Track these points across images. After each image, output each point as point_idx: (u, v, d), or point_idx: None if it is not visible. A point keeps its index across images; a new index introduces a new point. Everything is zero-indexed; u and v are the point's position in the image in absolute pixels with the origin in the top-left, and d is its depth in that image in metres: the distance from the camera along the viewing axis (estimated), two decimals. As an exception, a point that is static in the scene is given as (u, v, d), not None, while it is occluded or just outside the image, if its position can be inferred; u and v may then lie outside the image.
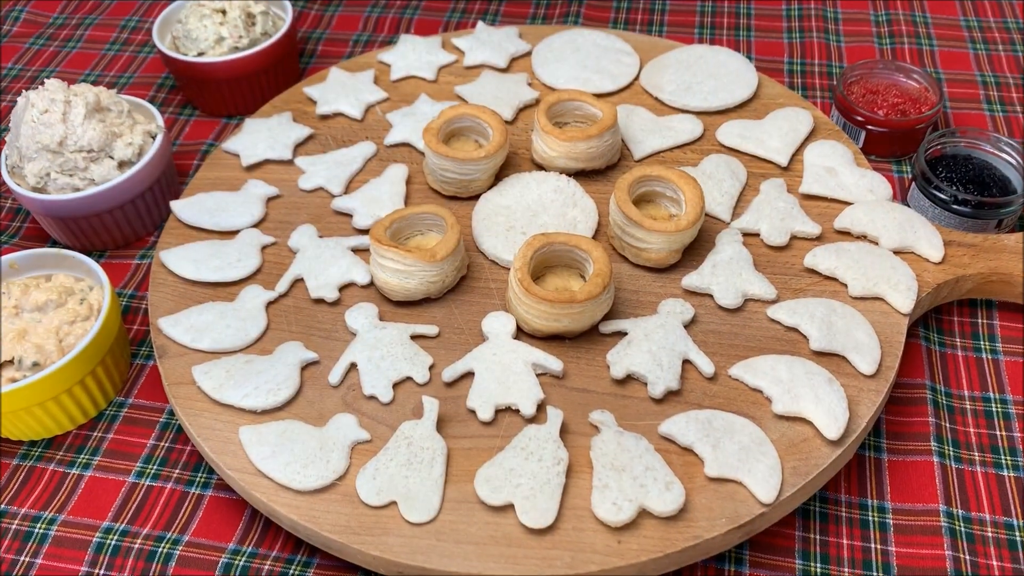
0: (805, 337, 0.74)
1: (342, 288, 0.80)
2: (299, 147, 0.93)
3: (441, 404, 0.71)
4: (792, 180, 0.87)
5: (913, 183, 0.88)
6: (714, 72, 0.96)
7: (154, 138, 0.91)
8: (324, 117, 0.96)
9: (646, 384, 0.71)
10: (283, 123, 0.94)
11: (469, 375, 0.73)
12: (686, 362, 0.73)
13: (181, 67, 1.01)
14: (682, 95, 0.94)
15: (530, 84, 0.99)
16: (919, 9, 1.15)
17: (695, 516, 0.64)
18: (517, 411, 0.70)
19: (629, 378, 0.72)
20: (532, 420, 0.70)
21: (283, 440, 0.69)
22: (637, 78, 0.99)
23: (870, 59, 1.01)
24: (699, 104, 0.94)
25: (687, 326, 0.75)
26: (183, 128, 1.06)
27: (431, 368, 0.73)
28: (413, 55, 1.02)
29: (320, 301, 0.79)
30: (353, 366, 0.74)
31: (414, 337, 0.76)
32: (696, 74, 0.96)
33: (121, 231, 0.91)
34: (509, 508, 0.65)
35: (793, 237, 0.82)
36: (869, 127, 0.94)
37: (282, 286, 0.80)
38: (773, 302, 0.77)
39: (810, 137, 0.91)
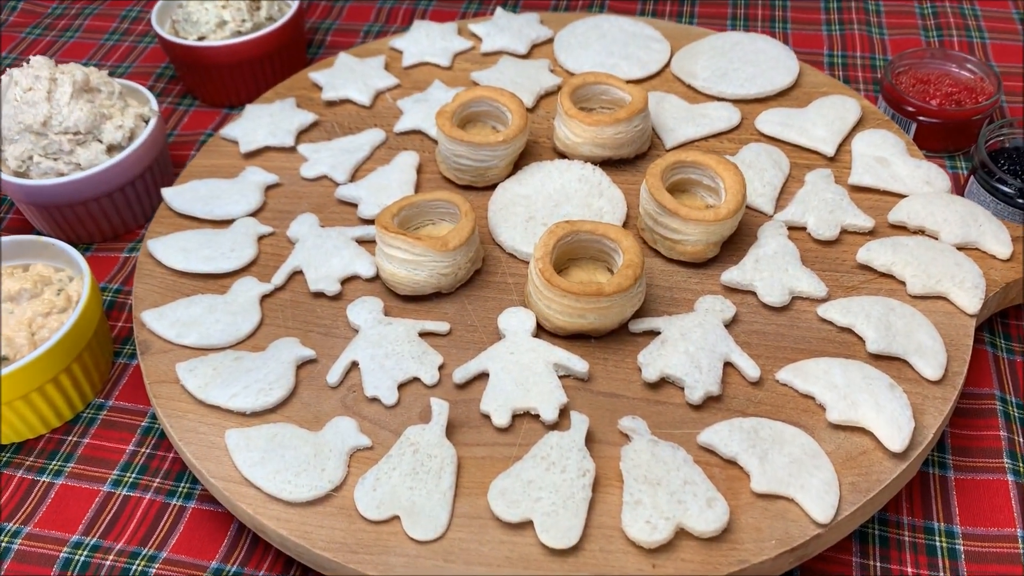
0: (861, 339, 0.66)
1: (344, 281, 0.72)
2: (302, 134, 0.87)
3: (452, 408, 0.63)
4: (840, 171, 0.79)
5: (972, 177, 0.81)
6: (751, 59, 0.89)
7: (147, 122, 0.85)
8: (330, 103, 0.90)
9: (683, 389, 0.63)
10: (286, 109, 0.88)
11: (483, 376, 0.65)
12: (727, 365, 0.65)
13: (180, 52, 0.95)
14: (717, 82, 0.87)
15: (552, 71, 0.92)
16: (968, 1, 1.08)
17: (740, 537, 0.56)
18: (537, 416, 0.63)
19: (663, 382, 0.64)
20: (554, 427, 0.62)
21: (273, 445, 0.61)
22: (667, 65, 0.92)
23: (919, 47, 0.93)
24: (736, 91, 0.86)
25: (728, 326, 0.67)
26: (182, 118, 1.00)
27: (441, 368, 0.66)
28: (427, 41, 0.95)
29: (320, 295, 0.72)
30: (354, 365, 0.66)
31: (423, 334, 0.68)
32: (732, 60, 0.89)
33: (109, 222, 0.84)
34: (527, 526, 0.57)
35: (843, 231, 0.74)
36: (921, 118, 0.87)
37: (278, 278, 0.73)
38: (823, 300, 0.69)
39: (857, 127, 0.83)
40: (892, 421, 0.60)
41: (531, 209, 0.76)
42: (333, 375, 0.66)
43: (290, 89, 0.91)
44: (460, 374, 0.65)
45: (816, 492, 0.57)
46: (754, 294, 0.70)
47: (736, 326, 0.68)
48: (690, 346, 0.65)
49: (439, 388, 0.65)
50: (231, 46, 0.94)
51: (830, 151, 0.80)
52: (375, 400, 0.64)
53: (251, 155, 0.84)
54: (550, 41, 0.95)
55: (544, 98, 0.89)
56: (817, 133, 0.82)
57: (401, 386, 0.65)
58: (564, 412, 0.63)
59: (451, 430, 0.62)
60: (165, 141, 0.88)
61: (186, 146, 0.96)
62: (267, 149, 0.85)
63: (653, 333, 0.67)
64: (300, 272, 0.73)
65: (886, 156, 0.79)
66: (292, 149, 0.85)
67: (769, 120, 0.84)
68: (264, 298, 0.72)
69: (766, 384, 0.64)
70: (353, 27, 1.11)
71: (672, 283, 0.71)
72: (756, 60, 0.89)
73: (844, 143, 0.82)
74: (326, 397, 0.65)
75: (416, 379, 0.65)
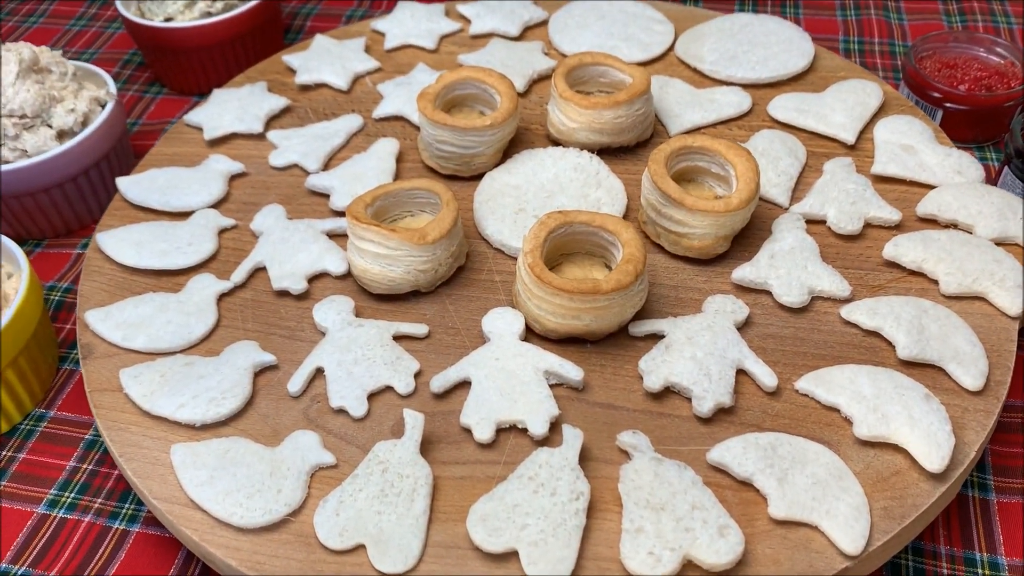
0: (890, 344, 0.59)
1: (312, 279, 0.65)
2: (273, 120, 0.79)
3: (428, 420, 0.56)
4: (861, 160, 0.72)
5: (1007, 167, 0.73)
6: (762, 41, 0.82)
7: (103, 107, 0.77)
8: (305, 88, 0.82)
9: (690, 399, 0.56)
10: (256, 93, 0.80)
11: (464, 385, 0.58)
12: (740, 372, 0.58)
13: (146, 35, 0.88)
14: (726, 65, 0.80)
15: (546, 54, 0.85)
16: (992, -15, 1.01)
17: (757, 570, 0.49)
18: (524, 431, 0.55)
19: (668, 391, 0.57)
20: (543, 442, 0.55)
21: (224, 463, 0.54)
22: (671, 48, 0.84)
23: (943, 31, 0.86)
24: (746, 75, 0.79)
25: (740, 328, 0.60)
26: (149, 106, 0.93)
27: (417, 376, 0.59)
28: (411, 22, 0.88)
29: (284, 294, 0.64)
30: (319, 372, 0.59)
31: (397, 338, 0.61)
32: (741, 43, 0.82)
33: (61, 215, 0.77)
34: (512, 557, 0.49)
35: (867, 224, 0.67)
36: (948, 105, 0.79)
37: (239, 275, 0.65)
38: (847, 301, 0.62)
39: (879, 113, 0.76)
40: (929, 437, 0.52)
41: (521, 200, 0.69)
42: (295, 383, 0.58)
43: (262, 73, 0.84)
44: (438, 382, 0.57)
45: (843, 519, 0.50)
46: (769, 294, 0.62)
47: (750, 329, 0.60)
48: (698, 351, 0.57)
49: (414, 398, 0.58)
50: (200, 28, 0.87)
51: (851, 138, 0.73)
52: (342, 412, 0.57)
53: (216, 142, 0.77)
54: (544, 23, 0.88)
55: (537, 82, 0.82)
56: (836, 119, 0.74)
57: (371, 396, 0.58)
58: (555, 426, 0.55)
59: (426, 446, 0.55)
60: (125, 128, 0.81)
61: (152, 136, 0.89)
62: (234, 136, 0.78)
63: (656, 337, 0.60)
64: (263, 268, 0.66)
65: (912, 144, 0.72)
66: (261, 136, 0.78)
67: (783, 106, 0.76)
68: (222, 297, 0.65)
69: (784, 394, 0.57)
70: (335, 11, 1.04)
71: (678, 281, 0.64)
72: (767, 42, 0.82)
73: (865, 130, 0.75)
74: (286, 408, 0.58)
75: (389, 388, 0.58)
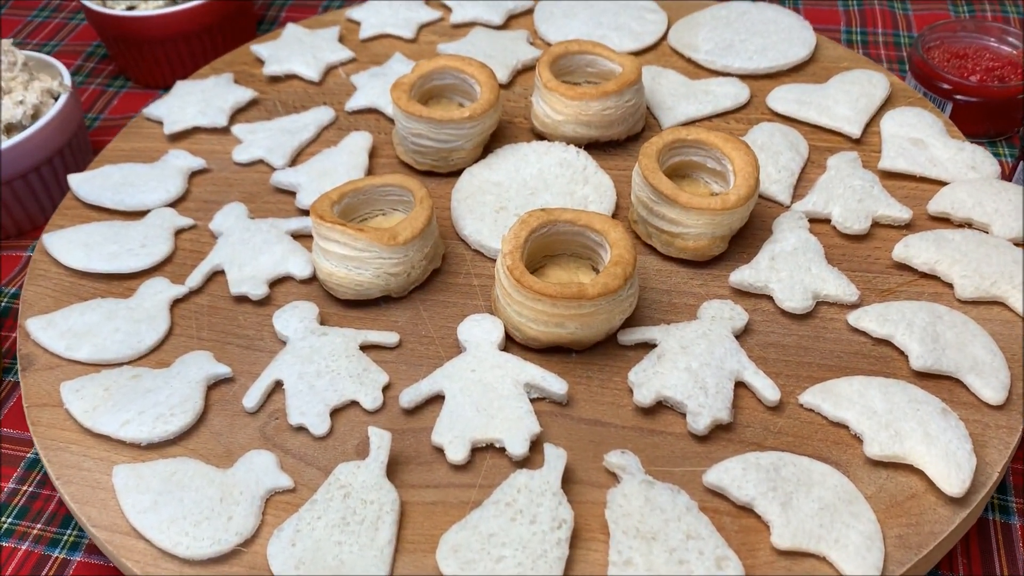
0: (902, 353, 0.54)
1: (274, 283, 0.60)
2: (238, 113, 0.74)
3: (397, 439, 0.51)
4: (867, 155, 0.67)
5: (1022, 163, 0.68)
6: (760, 29, 0.77)
7: (56, 99, 0.72)
8: (274, 79, 0.77)
9: (684, 415, 0.51)
10: (221, 85, 0.75)
11: (437, 400, 0.53)
12: (739, 385, 0.53)
13: (109, 25, 0.83)
14: (722, 55, 0.75)
15: (532, 43, 0.80)
16: (1001, -26, 0.96)
17: (759, 608, 0.43)
18: (502, 451, 0.50)
19: (660, 406, 0.52)
20: (523, 464, 0.49)
21: (171, 486, 0.49)
22: (664, 38, 0.80)
23: (950, 20, 0.82)
24: (743, 65, 0.74)
25: (739, 336, 0.55)
26: (111, 101, 0.88)
27: (386, 390, 0.54)
28: (388, 10, 0.83)
29: (243, 299, 0.59)
30: (278, 385, 0.54)
31: (365, 348, 0.56)
32: (739, 31, 0.77)
33: (11, 215, 0.72)
34: (486, 592, 0.44)
35: (875, 223, 0.62)
36: (958, 97, 0.75)
37: (194, 279, 0.60)
38: (855, 306, 0.57)
39: (886, 105, 0.71)
40: (948, 457, 0.48)
41: (503, 198, 0.64)
42: (251, 398, 0.53)
43: (229, 64, 0.79)
44: (408, 397, 0.52)
45: (854, 548, 0.45)
46: (770, 299, 0.57)
47: (749, 337, 0.55)
48: (693, 362, 0.52)
49: (382, 414, 0.53)
50: (165, 16, 0.82)
51: (856, 132, 0.68)
52: (301, 429, 0.52)
53: (177, 137, 0.72)
54: (530, 11, 0.83)
55: (521, 73, 0.77)
56: (840, 112, 0.70)
57: (335, 412, 0.53)
58: (536, 445, 0.50)
59: (394, 468, 0.50)
60: (82, 122, 0.75)
61: (114, 132, 0.83)
62: (196, 130, 0.73)
63: (647, 346, 0.55)
64: (221, 272, 0.61)
65: (922, 137, 0.67)
66: (225, 130, 0.73)
67: (783, 97, 0.72)
68: (176, 303, 0.60)
69: (788, 409, 0.52)
70: (310, 2, 0.99)
71: (671, 285, 0.59)
72: (766, 31, 0.77)
73: (871, 123, 0.70)
74: (241, 425, 0.52)
75: (354, 403, 0.53)
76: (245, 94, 0.74)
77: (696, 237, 0.58)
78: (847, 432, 0.51)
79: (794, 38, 0.76)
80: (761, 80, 0.75)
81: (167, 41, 0.84)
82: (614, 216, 0.64)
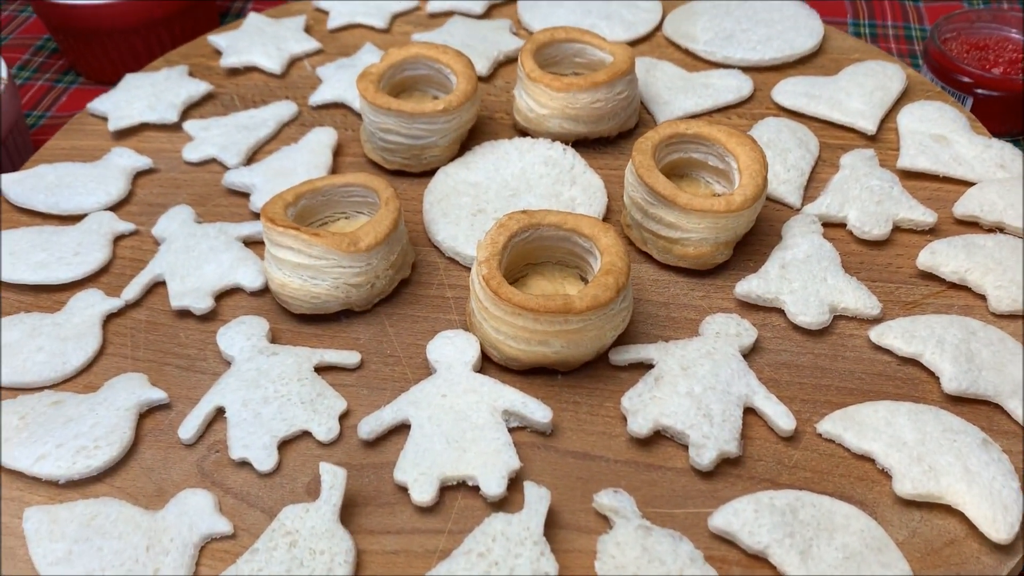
0: (932, 375, 0.48)
1: (221, 295, 0.53)
2: (192, 109, 0.68)
3: (354, 476, 0.44)
4: (884, 153, 0.61)
5: (1052, 162, 0.62)
6: (763, 18, 0.71)
7: (-13, 92, 0.66)
8: (232, 72, 0.71)
9: (686, 447, 0.44)
10: (173, 78, 0.69)
11: (402, 430, 0.46)
12: (749, 412, 0.46)
13: (57, 15, 0.77)
14: (722, 45, 0.69)
15: (515, 33, 0.73)
16: (1016, -36, 0.91)
17: None
18: (476, 489, 0.43)
19: (659, 436, 0.45)
20: (500, 506, 0.43)
21: (90, 532, 0.42)
22: (659, 28, 0.73)
23: (965, 10, 0.75)
24: (746, 56, 0.68)
25: (747, 355, 0.49)
26: (60, 97, 0.81)
27: (343, 418, 0.47)
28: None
29: (185, 314, 0.52)
30: (220, 413, 0.47)
31: (321, 369, 0.49)
32: (740, 20, 0.71)
33: (-64, 219, 0.65)
34: (455, 662, 0.37)
35: (896, 228, 0.56)
36: (979, 91, 0.69)
37: (132, 292, 0.53)
38: (877, 320, 0.50)
39: (902, 99, 0.65)
40: (992, 496, 0.41)
41: (481, 200, 0.57)
42: (188, 428, 0.46)
43: (185, 56, 0.73)
44: (369, 427, 0.45)
45: (887, 606, 0.38)
46: (782, 312, 0.51)
47: (759, 356, 0.49)
48: (695, 385, 0.46)
49: (338, 447, 0.46)
50: (118, 6, 0.75)
51: (871, 128, 0.62)
52: (245, 464, 0.45)
53: (122, 134, 0.66)
54: (513, 0, 0.77)
55: (504, 65, 0.71)
56: (853, 106, 0.63)
57: (283, 444, 0.46)
58: (515, 483, 0.43)
59: (349, 511, 0.43)
60: (20, 119, 0.69)
61: (52, 130, 0.76)
62: (144, 127, 0.66)
63: (643, 367, 0.48)
64: (163, 283, 0.54)
65: (945, 134, 0.61)
66: (176, 126, 0.66)
67: (790, 91, 0.65)
68: (109, 318, 0.53)
69: (804, 440, 0.45)
70: (280, -7, 0.92)
71: (669, 297, 0.52)
72: (770, 20, 0.71)
73: (887, 118, 0.64)
74: (176, 459, 0.46)
75: (306, 434, 0.46)
76: (199, 88, 0.68)
77: (697, 243, 0.52)
78: (873, 467, 0.44)
79: (800, 27, 0.70)
80: (765, 72, 0.68)
81: (120, 33, 0.77)
82: (605, 220, 0.57)
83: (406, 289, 0.53)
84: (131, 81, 0.69)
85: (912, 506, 0.43)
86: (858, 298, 0.51)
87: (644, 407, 0.45)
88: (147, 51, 0.79)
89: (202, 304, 0.52)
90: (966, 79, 0.69)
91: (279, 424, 0.46)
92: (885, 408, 0.46)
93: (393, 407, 0.46)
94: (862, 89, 0.65)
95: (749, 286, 0.52)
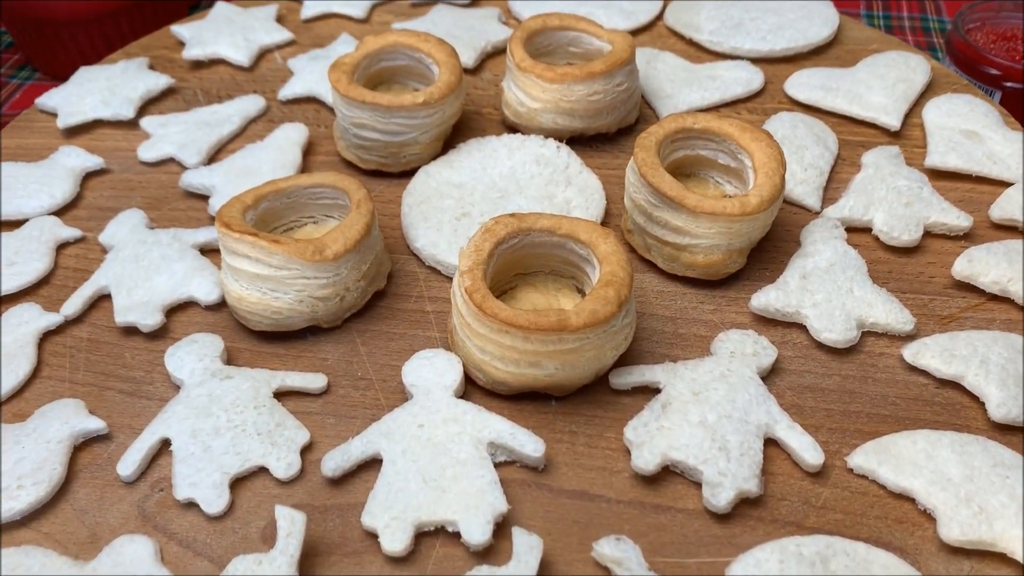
0: (976, 399, 0.42)
1: (173, 310, 0.47)
2: (151, 104, 0.62)
3: (316, 521, 0.38)
4: (909, 151, 0.56)
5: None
6: (773, 6, 0.66)
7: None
8: (196, 64, 0.65)
9: (699, 485, 0.38)
10: (131, 71, 0.63)
11: (373, 465, 0.40)
12: (769, 443, 0.40)
13: (9, 3, 0.71)
14: (730, 35, 0.64)
15: (504, 23, 0.68)
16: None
17: None
18: (457, 536, 0.37)
19: (667, 472, 0.39)
20: (484, 555, 0.37)
21: (9, 589, 0.36)
22: (660, 17, 0.68)
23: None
24: (756, 47, 0.63)
25: (765, 378, 0.43)
26: (14, 93, 0.75)
27: (306, 451, 0.41)
28: (337, -13, 0.71)
29: (132, 331, 0.47)
30: (166, 445, 0.41)
31: (282, 394, 0.43)
32: (748, 9, 0.66)
33: None
34: None
35: (927, 233, 0.50)
36: (1008, 84, 0.63)
37: (72, 306, 0.48)
38: (911, 337, 0.45)
39: (927, 92, 0.60)
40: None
41: (465, 203, 0.52)
42: (128, 463, 0.41)
43: (146, 48, 0.67)
44: (334, 462, 0.40)
45: (938, 676, 0.32)
46: (803, 328, 0.45)
47: (779, 379, 0.43)
48: (709, 413, 0.40)
49: (299, 485, 0.40)
50: (73, -7, 0.69)
51: (895, 123, 0.57)
52: (192, 506, 0.39)
53: (73, 132, 0.60)
54: (503, -12, 0.72)
55: (492, 57, 0.65)
56: (874, 100, 0.58)
57: (236, 483, 0.40)
58: (502, 528, 0.37)
59: (310, 560, 0.37)
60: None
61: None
62: (98, 124, 0.60)
63: (648, 391, 0.42)
64: (108, 296, 0.48)
65: (976, 129, 0.55)
66: (133, 123, 0.60)
67: (804, 83, 0.60)
68: (46, 336, 0.47)
69: (834, 475, 0.40)
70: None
71: (676, 311, 0.47)
72: (780, 8, 0.66)
73: (911, 113, 0.58)
74: (114, 500, 0.40)
75: (263, 470, 0.40)
76: (159, 81, 0.62)
77: (707, 250, 0.46)
78: (913, 507, 0.39)
79: (813, 16, 0.65)
80: (777, 64, 0.63)
81: (78, 24, 0.72)
82: (603, 224, 0.51)
83: (380, 303, 0.48)
84: (85, 74, 0.63)
85: (961, 554, 0.37)
86: (889, 312, 0.45)
87: (650, 439, 0.40)
88: (106, 44, 0.74)
89: (151, 320, 0.46)
90: (994, 71, 0.64)
91: (232, 459, 0.40)
92: (924, 439, 0.40)
93: (362, 439, 0.40)
94: (883, 82, 0.59)
95: (767, 299, 0.46)
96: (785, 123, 0.57)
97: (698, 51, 0.65)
